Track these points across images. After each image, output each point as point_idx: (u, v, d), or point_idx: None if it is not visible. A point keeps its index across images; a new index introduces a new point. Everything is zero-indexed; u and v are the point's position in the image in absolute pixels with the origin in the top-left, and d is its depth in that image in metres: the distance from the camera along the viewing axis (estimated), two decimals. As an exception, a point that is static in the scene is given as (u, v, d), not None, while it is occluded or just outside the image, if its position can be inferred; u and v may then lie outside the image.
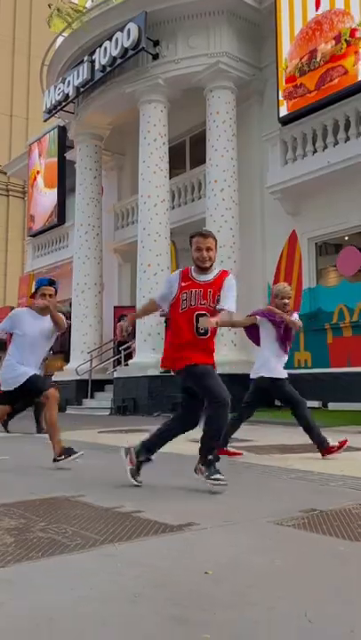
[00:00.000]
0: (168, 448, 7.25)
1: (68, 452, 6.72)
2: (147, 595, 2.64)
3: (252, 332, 7.92)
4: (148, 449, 5.51)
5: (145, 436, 5.64)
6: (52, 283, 7.19)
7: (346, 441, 7.29)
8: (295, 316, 7.67)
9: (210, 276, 5.43)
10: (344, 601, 2.59)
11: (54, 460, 6.69)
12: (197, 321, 5.24)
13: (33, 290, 7.39)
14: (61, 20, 22.42)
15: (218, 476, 5.03)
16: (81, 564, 3.09)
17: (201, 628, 2.27)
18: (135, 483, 5.36)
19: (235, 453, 7.42)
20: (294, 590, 2.72)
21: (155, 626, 2.31)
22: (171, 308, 5.51)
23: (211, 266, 5.46)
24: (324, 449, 7.20)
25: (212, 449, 5.23)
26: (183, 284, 5.43)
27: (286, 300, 7.61)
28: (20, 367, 6.90)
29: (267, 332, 7.69)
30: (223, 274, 5.49)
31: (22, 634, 2.23)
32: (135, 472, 5.42)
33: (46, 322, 7.06)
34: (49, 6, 24.78)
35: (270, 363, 7.59)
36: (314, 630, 2.27)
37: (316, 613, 2.41)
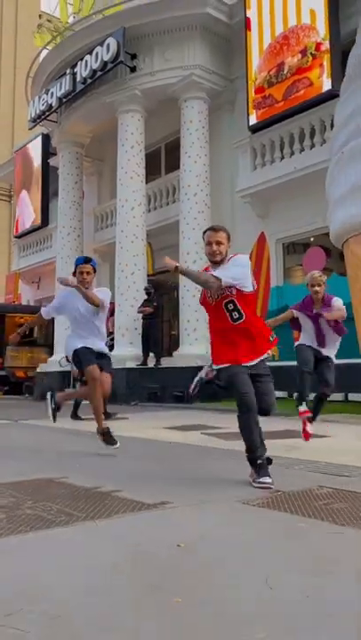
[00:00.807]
0: (148, 434, 7.37)
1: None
2: (125, 565, 2.75)
3: (296, 325, 7.80)
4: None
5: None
6: (87, 260, 7.07)
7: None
8: (335, 304, 7.30)
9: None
10: (301, 571, 2.70)
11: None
12: (227, 308, 5.00)
13: (73, 269, 7.13)
14: (45, 35, 22.36)
15: (263, 479, 4.73)
16: (66, 538, 3.19)
17: (173, 593, 2.38)
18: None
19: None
20: (257, 561, 2.83)
21: (132, 593, 2.41)
22: (204, 305, 5.28)
23: (223, 259, 5.16)
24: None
25: (251, 450, 4.99)
26: None
27: (317, 288, 7.27)
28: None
29: (304, 325, 7.65)
30: (233, 256, 5.24)
31: (13, 599, 2.32)
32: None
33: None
34: (38, 27, 24.75)
35: None
36: (274, 595, 2.39)
37: (275, 581, 2.53)
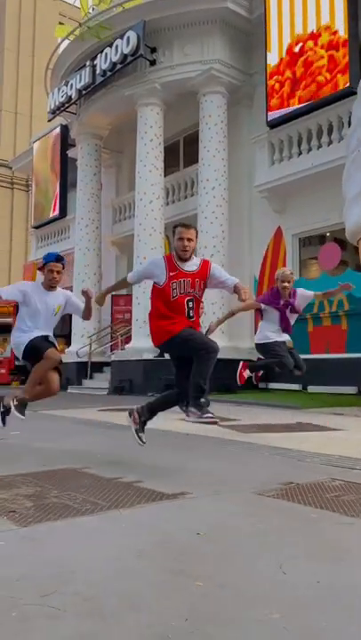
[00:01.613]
0: (167, 426, 7.57)
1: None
2: (149, 551, 2.96)
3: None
4: (151, 410, 5.69)
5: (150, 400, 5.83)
6: (59, 259, 6.85)
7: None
8: (304, 293, 8.92)
9: (194, 267, 5.57)
10: (313, 558, 2.89)
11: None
12: (188, 306, 5.48)
13: (40, 265, 6.93)
14: (66, 26, 22.50)
15: (209, 414, 5.24)
16: (92, 526, 3.40)
17: (194, 577, 2.58)
18: (140, 442, 5.53)
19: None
20: (272, 549, 3.03)
21: (157, 576, 2.61)
22: (157, 293, 5.56)
23: (190, 256, 5.59)
24: None
25: (202, 391, 5.34)
26: (171, 274, 5.47)
27: (286, 284, 8.26)
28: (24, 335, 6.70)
29: (269, 315, 8.58)
30: (205, 263, 5.67)
31: (47, 582, 2.53)
32: (140, 430, 5.59)
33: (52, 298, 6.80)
34: (60, 23, 24.95)
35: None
36: (287, 580, 2.58)
37: (289, 567, 2.73)
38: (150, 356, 17.11)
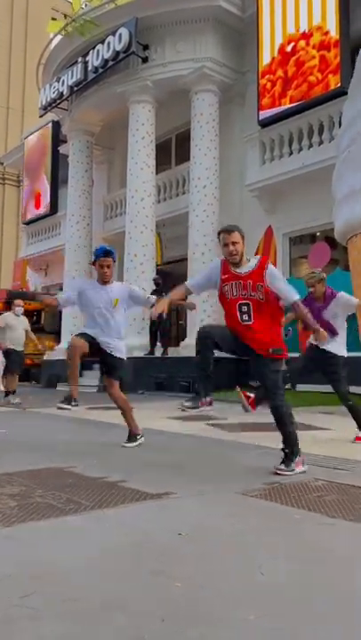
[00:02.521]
0: (153, 425, 7.59)
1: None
2: (130, 552, 3.00)
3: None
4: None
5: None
6: (107, 253, 6.71)
7: None
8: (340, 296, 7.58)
9: (247, 268, 5.32)
10: (293, 559, 2.94)
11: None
12: (241, 310, 5.30)
13: (92, 259, 6.86)
14: (58, 22, 22.48)
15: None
16: (75, 526, 3.43)
17: (174, 578, 2.62)
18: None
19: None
20: (252, 549, 3.07)
21: (137, 577, 2.65)
22: (219, 297, 5.51)
23: (242, 258, 5.33)
24: None
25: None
26: (223, 277, 5.39)
27: (310, 289, 7.50)
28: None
29: None
30: (262, 264, 5.34)
31: (28, 582, 2.57)
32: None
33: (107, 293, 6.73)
34: (52, 19, 24.98)
35: None
36: (265, 581, 2.63)
37: (268, 568, 2.77)
38: (141, 354, 17.14)
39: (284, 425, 5.38)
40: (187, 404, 5.21)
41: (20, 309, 13.22)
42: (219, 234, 5.46)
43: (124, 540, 3.17)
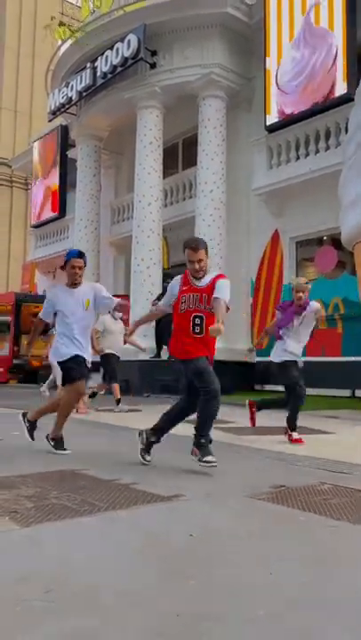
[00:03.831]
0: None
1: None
2: (144, 552, 3.13)
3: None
4: (157, 432, 5.90)
5: (155, 421, 5.96)
6: (81, 255, 6.76)
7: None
8: (311, 306, 7.86)
9: (205, 282, 5.62)
10: (299, 560, 3.07)
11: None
12: (194, 322, 5.58)
13: (63, 262, 6.80)
14: (63, 30, 22.66)
15: (209, 458, 5.35)
16: (90, 526, 3.57)
17: (187, 576, 2.75)
18: (144, 462, 5.74)
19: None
20: (260, 550, 3.21)
21: (152, 575, 2.79)
22: (173, 307, 5.79)
23: (204, 274, 5.65)
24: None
25: (205, 434, 5.57)
26: (183, 288, 5.65)
27: (300, 294, 7.74)
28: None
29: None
30: (217, 278, 5.62)
31: (49, 580, 2.70)
32: (145, 452, 5.80)
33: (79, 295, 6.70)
34: (51, 18, 25.13)
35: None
36: (274, 581, 2.76)
37: (276, 568, 2.91)
38: (147, 357, 17.25)
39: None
40: (201, 462, 5.42)
41: (119, 313, 12.20)
42: (184, 248, 5.69)
43: (138, 541, 3.31)
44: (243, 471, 5.58)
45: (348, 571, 2.95)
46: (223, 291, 5.55)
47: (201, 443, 5.52)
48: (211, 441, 5.60)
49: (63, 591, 2.54)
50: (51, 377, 15.36)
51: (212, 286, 5.58)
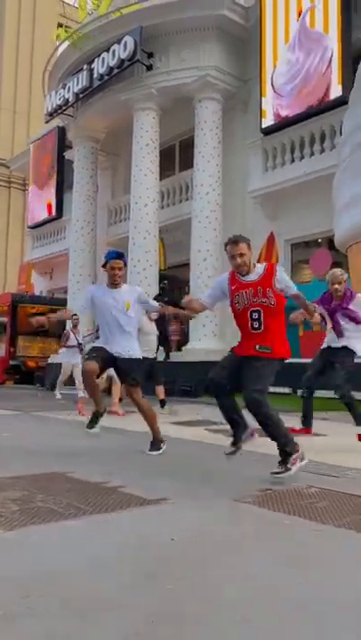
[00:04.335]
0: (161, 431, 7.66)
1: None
2: (126, 555, 3.14)
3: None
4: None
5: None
6: (120, 256, 6.73)
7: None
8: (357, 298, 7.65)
9: (255, 276, 5.37)
10: (281, 564, 3.07)
11: None
12: (252, 317, 5.31)
13: (103, 262, 6.82)
14: (62, 31, 22.70)
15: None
16: (74, 530, 3.57)
17: (166, 581, 2.76)
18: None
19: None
20: (243, 554, 3.21)
21: (132, 579, 2.80)
22: (231, 309, 5.54)
23: (249, 269, 5.41)
24: None
25: (279, 445, 5.41)
26: (232, 287, 5.45)
27: (337, 286, 7.58)
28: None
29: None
30: (270, 270, 5.39)
31: (30, 584, 2.72)
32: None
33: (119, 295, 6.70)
34: (59, 26, 25.23)
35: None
36: (254, 585, 2.77)
37: (257, 573, 2.91)
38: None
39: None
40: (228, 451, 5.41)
41: (155, 314, 11.70)
42: (226, 245, 5.51)
43: (121, 545, 3.32)
44: (230, 473, 5.57)
45: (329, 575, 2.95)
46: (290, 282, 5.43)
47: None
48: (288, 452, 5.42)
49: (43, 595, 2.55)
50: (60, 378, 15.38)
51: (267, 278, 5.33)
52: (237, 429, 5.51)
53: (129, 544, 3.33)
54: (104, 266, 6.74)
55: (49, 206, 27.72)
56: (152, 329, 12.11)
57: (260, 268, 5.43)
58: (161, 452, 6.63)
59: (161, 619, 2.35)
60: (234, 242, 5.41)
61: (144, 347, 11.78)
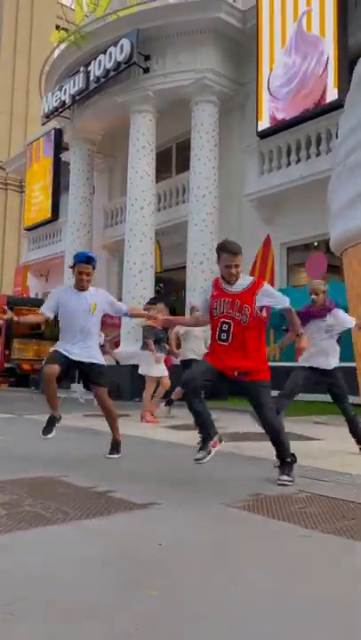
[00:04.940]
0: (145, 433, 7.69)
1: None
2: (111, 561, 3.12)
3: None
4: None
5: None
6: (89, 260, 6.55)
7: None
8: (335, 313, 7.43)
9: (239, 287, 5.34)
10: (266, 570, 3.06)
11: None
12: (221, 328, 5.29)
13: (71, 263, 6.59)
14: (62, 32, 22.72)
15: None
16: (61, 535, 3.55)
17: (150, 587, 2.74)
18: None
19: None
20: (229, 560, 3.19)
21: (116, 585, 2.78)
22: (209, 315, 5.51)
23: (236, 280, 5.38)
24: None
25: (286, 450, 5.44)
26: (215, 293, 5.42)
27: (313, 296, 7.40)
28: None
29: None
30: (255, 286, 5.35)
31: (13, 590, 2.70)
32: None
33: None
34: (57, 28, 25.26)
35: None
36: (238, 592, 2.76)
37: (242, 579, 2.90)
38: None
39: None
40: (199, 456, 5.21)
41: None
42: (220, 251, 5.43)
43: (107, 550, 3.30)
44: (221, 478, 5.56)
45: (315, 581, 2.94)
46: (280, 298, 5.39)
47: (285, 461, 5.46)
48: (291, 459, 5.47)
49: (25, 601, 2.54)
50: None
51: (248, 294, 5.30)
52: (207, 434, 5.42)
53: (115, 549, 3.31)
54: (72, 267, 6.57)
55: (45, 208, 27.71)
56: (200, 332, 11.52)
57: (246, 281, 5.41)
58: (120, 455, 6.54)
59: (145, 625, 2.33)
60: (233, 253, 5.34)
61: (193, 349, 11.64)
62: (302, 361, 7.47)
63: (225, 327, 5.30)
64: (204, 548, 3.38)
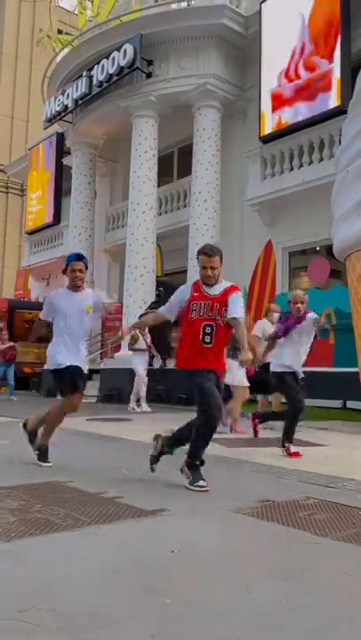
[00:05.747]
0: (148, 439, 7.64)
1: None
2: (123, 568, 3.12)
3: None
4: (172, 445, 5.66)
5: (174, 431, 5.71)
6: (80, 257, 6.56)
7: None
8: (310, 316, 7.73)
9: (218, 290, 5.49)
10: (278, 577, 3.05)
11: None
12: (204, 331, 5.39)
13: (63, 267, 6.58)
14: (64, 37, 22.74)
15: (200, 482, 5.21)
16: (72, 542, 3.55)
17: (165, 594, 2.74)
18: (150, 470, 5.61)
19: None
20: (240, 567, 3.19)
21: (129, 593, 2.78)
22: (182, 315, 5.63)
23: (216, 281, 5.53)
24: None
25: (199, 455, 5.40)
26: (195, 294, 5.51)
27: (298, 305, 7.63)
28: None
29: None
30: (230, 290, 5.51)
31: (25, 597, 2.69)
32: (154, 460, 5.63)
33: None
34: (39, 30, 25.24)
35: None
36: (251, 599, 2.75)
37: (254, 586, 2.89)
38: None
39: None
40: (192, 487, 5.24)
41: (277, 315, 10.28)
42: (198, 254, 5.62)
43: (118, 557, 3.29)
44: (229, 484, 5.56)
45: (324, 589, 2.93)
46: (238, 307, 5.49)
47: (194, 465, 5.38)
48: (203, 463, 5.43)
49: (38, 609, 2.53)
50: (134, 390, 15.09)
51: (224, 297, 5.47)
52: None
53: (126, 556, 3.31)
54: (65, 270, 6.56)
55: (47, 212, 27.72)
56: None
57: (225, 285, 5.59)
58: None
59: (161, 634, 2.32)
60: (209, 254, 5.52)
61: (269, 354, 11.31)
62: (281, 367, 7.91)
63: (208, 330, 5.44)
64: (216, 555, 3.37)
